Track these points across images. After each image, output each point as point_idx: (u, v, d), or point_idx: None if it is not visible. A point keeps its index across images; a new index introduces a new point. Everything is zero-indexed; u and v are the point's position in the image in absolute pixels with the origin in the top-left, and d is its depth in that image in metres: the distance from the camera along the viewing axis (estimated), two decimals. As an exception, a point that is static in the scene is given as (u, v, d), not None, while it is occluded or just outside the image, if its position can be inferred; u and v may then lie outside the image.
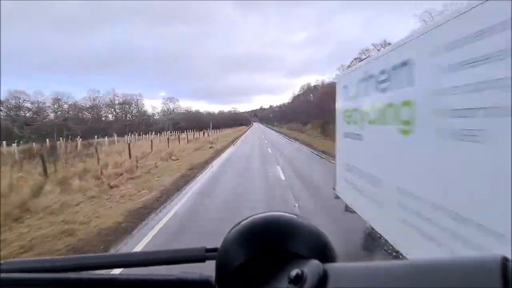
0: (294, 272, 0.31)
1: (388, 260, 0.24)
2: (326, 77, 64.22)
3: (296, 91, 77.55)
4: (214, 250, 0.43)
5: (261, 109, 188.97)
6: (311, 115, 51.96)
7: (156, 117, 62.43)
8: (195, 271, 0.44)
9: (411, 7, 32.50)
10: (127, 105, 54.20)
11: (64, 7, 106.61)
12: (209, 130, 40.76)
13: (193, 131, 50.20)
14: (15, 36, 71.60)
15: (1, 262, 0.46)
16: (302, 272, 0.30)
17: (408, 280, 0.25)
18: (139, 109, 56.03)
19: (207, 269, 0.43)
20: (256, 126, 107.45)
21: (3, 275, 0.42)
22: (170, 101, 65.81)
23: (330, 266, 0.31)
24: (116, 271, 0.49)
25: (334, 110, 4.69)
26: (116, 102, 52.94)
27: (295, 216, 0.41)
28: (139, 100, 56.61)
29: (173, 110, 65.83)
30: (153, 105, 62.83)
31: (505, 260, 0.23)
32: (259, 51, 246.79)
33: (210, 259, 0.43)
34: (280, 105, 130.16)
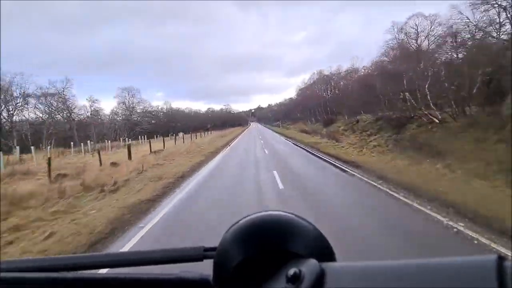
0: (291, 271, 0.31)
1: (385, 260, 0.28)
2: (349, 63, 46.43)
3: (304, 81, 60.07)
4: (213, 249, 0.42)
5: (259, 108, 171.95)
6: (333, 110, 34.96)
7: (116, 117, 42.84)
8: (195, 270, 0.43)
9: (410, 7, 27.79)
10: (50, 96, 34.01)
11: (64, 7, 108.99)
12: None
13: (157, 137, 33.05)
14: (15, 36, 70.17)
15: (0, 261, 0.46)
16: (300, 271, 0.31)
17: (405, 280, 0.25)
18: (65, 104, 35.08)
19: (206, 268, 0.43)
20: (254, 126, 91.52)
21: (3, 274, 0.42)
22: (128, 94, 45.80)
23: (327, 265, 0.31)
24: (115, 270, 0.46)
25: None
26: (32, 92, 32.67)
27: (293, 216, 0.41)
28: (66, 89, 35.89)
29: (133, 108, 46.20)
30: (92, 98, 39.87)
31: (501, 259, 0.23)
32: (258, 51, 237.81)
33: (208, 258, 0.42)
34: (279, 103, 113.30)
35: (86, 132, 33.55)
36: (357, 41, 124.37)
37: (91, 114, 38.59)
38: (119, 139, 35.18)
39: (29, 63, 79.13)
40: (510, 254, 3.38)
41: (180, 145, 24.20)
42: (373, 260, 0.30)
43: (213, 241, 0.44)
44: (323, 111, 40.89)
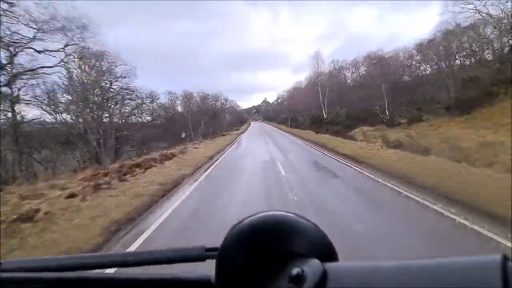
0: (294, 271, 0.31)
1: (387, 260, 0.29)
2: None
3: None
4: (214, 249, 0.42)
5: (265, 102, 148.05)
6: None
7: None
8: (196, 271, 0.43)
9: (426, 5, 24.96)
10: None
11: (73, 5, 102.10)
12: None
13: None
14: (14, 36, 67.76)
15: (1, 261, 0.46)
16: (302, 271, 0.31)
17: (408, 280, 0.25)
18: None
19: (207, 268, 0.43)
20: (254, 132, 40.89)
21: (4, 274, 0.42)
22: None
23: (330, 265, 0.31)
24: (117, 271, 0.47)
25: None
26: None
27: (295, 216, 0.41)
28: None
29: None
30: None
31: (505, 259, 0.23)
32: (268, 48, 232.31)
33: (210, 258, 0.42)
34: (299, 85, 56.80)
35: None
36: (368, 37, 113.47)
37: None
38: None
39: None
40: None
41: None
42: (375, 260, 0.30)
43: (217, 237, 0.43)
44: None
